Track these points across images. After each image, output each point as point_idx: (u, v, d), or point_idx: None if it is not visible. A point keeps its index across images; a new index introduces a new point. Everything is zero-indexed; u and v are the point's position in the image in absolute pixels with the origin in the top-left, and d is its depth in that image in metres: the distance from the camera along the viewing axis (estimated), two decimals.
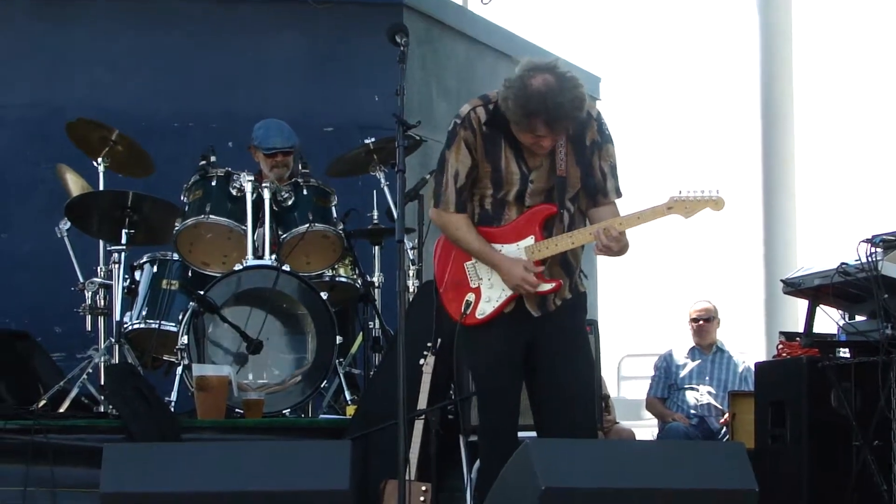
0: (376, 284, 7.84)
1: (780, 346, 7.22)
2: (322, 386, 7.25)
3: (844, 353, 6.63)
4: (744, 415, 7.54)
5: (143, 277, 7.49)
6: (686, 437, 8.45)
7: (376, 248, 7.94)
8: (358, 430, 6.44)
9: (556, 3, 17.08)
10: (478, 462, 5.72)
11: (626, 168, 5.47)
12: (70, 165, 7.95)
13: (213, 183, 7.38)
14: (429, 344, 6.32)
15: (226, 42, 9.64)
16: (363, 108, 9.34)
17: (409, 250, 7.38)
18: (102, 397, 6.99)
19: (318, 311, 7.17)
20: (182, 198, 7.48)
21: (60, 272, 7.97)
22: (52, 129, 8.76)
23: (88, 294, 7.64)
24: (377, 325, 7.73)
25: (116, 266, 7.35)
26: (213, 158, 7.47)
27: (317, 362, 7.17)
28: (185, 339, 7.06)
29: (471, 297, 5.32)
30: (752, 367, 7.63)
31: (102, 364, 7.17)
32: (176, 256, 7.45)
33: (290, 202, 7.44)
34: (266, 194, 7.32)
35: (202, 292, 7.04)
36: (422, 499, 6.03)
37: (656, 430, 9.12)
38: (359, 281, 7.71)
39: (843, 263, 6.23)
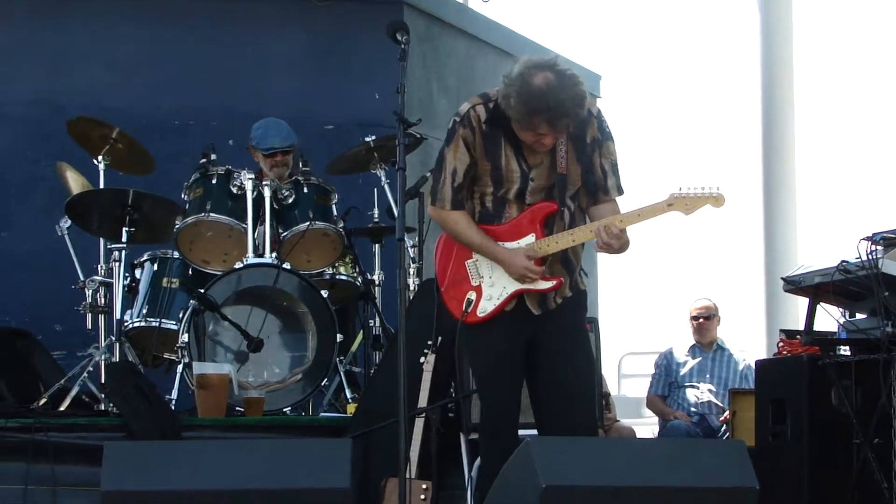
0: (377, 282, 7.84)
1: (781, 344, 7.21)
2: (322, 384, 7.25)
3: (845, 350, 6.62)
4: (744, 412, 7.54)
5: (143, 275, 7.49)
6: (687, 435, 8.45)
7: (377, 246, 7.94)
8: (359, 429, 6.44)
9: (556, 1, 17.08)
10: (478, 460, 5.72)
11: (626, 165, 5.47)
12: (70, 163, 7.95)
13: (214, 181, 7.38)
14: (429, 342, 6.32)
15: (226, 40, 9.64)
16: (364, 106, 9.33)
17: (409, 248, 7.38)
18: (103, 395, 6.99)
19: (318, 309, 7.17)
20: (182, 196, 7.48)
21: (61, 270, 7.97)
22: (52, 128, 8.77)
23: (89, 292, 7.64)
24: (378, 324, 7.73)
25: (117, 264, 7.34)
26: (213, 156, 7.47)
27: (317, 360, 7.17)
28: (185, 338, 7.06)
29: (472, 295, 5.32)
30: (753, 365, 7.63)
31: (103, 362, 7.17)
32: (176, 254, 7.45)
33: (290, 200, 7.44)
34: (266, 192, 7.32)
35: (203, 290, 7.04)
36: (422, 497, 6.04)
37: (657, 428, 9.11)
38: (359, 279, 7.71)
39: (843, 261, 6.23)
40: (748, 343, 11.24)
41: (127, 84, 9.44)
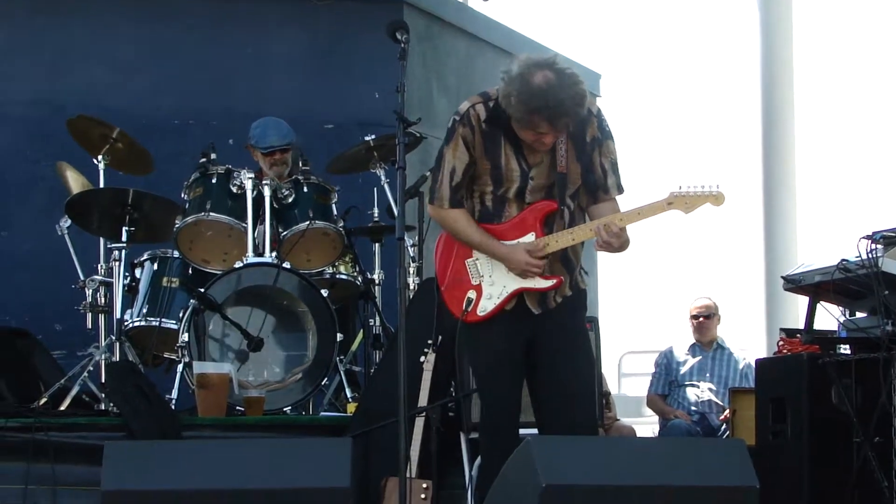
0: (377, 282, 7.84)
1: (781, 343, 7.21)
2: (323, 383, 7.25)
3: (845, 349, 6.62)
4: (744, 411, 7.54)
5: (143, 275, 7.49)
6: (687, 434, 8.45)
7: (377, 245, 7.94)
8: (359, 428, 6.44)
9: (556, 0, 17.08)
10: (479, 459, 5.72)
11: (626, 165, 5.47)
12: (70, 163, 7.95)
13: (214, 180, 7.38)
14: (429, 341, 6.32)
15: (226, 39, 9.64)
16: (363, 105, 9.33)
17: (409, 247, 7.37)
18: (103, 395, 6.99)
19: (318, 308, 7.17)
20: (182, 195, 7.48)
21: (61, 270, 7.97)
22: (52, 127, 8.77)
23: (89, 292, 7.64)
24: (378, 323, 7.73)
25: (117, 264, 7.35)
26: (213, 156, 7.47)
27: (317, 360, 7.17)
28: (185, 337, 7.06)
29: (472, 294, 5.32)
30: (753, 364, 7.62)
31: (103, 362, 7.18)
32: (176, 254, 7.45)
33: (290, 199, 7.44)
34: (266, 191, 7.32)
35: (203, 290, 7.04)
36: (423, 496, 6.03)
37: (657, 427, 9.11)
38: (359, 278, 7.70)
39: (843, 260, 6.23)
40: (748, 342, 11.25)
41: (127, 84, 9.44)
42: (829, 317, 6.61)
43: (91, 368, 7.10)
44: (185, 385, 7.06)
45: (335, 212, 7.53)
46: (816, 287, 6.49)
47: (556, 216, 5.29)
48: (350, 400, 7.20)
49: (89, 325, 7.69)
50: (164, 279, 7.45)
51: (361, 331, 7.76)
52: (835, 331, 6.72)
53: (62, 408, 6.89)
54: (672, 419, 8.68)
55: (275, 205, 7.38)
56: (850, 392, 6.25)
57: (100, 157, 7.68)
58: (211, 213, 7.31)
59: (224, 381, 6.81)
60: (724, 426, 8.51)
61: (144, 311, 7.38)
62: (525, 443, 4.62)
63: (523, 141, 5.21)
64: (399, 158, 5.33)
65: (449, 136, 5.28)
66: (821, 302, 6.62)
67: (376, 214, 7.85)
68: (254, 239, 7.29)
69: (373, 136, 7.79)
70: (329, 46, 9.67)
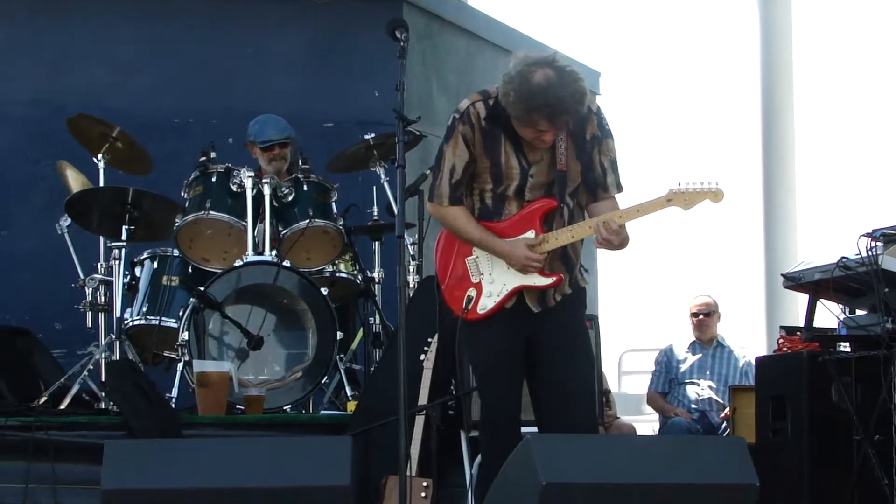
0: (377, 280, 7.84)
1: (781, 341, 7.22)
2: (323, 382, 7.25)
3: (845, 347, 6.63)
4: (744, 409, 7.55)
5: (143, 274, 7.49)
6: (687, 432, 8.46)
7: (376, 243, 7.94)
8: (359, 426, 6.44)
9: None
10: (479, 458, 5.72)
11: (626, 163, 5.47)
12: (70, 162, 7.95)
13: (214, 179, 7.38)
14: (429, 339, 6.32)
15: (226, 38, 9.64)
16: (363, 104, 9.33)
17: (409, 246, 7.37)
18: (103, 394, 6.99)
19: (318, 306, 7.17)
20: (182, 194, 7.48)
21: (61, 269, 7.97)
22: (52, 127, 8.77)
23: (89, 290, 7.64)
24: (378, 321, 7.73)
25: (117, 262, 7.35)
26: (213, 154, 7.47)
27: (317, 358, 7.17)
28: (185, 336, 7.06)
29: (472, 292, 5.32)
30: (753, 362, 7.63)
31: (103, 360, 7.18)
32: (176, 252, 7.45)
33: (290, 198, 7.44)
34: (266, 190, 7.32)
35: (203, 288, 7.04)
36: (423, 495, 6.04)
37: (657, 425, 9.12)
38: (359, 277, 7.70)
39: (843, 258, 6.23)
40: (748, 340, 11.26)
41: (127, 83, 9.44)
42: (829, 314, 6.61)
43: (91, 367, 7.10)
44: (185, 384, 7.06)
45: (335, 210, 7.53)
46: (816, 285, 6.49)
47: (555, 214, 5.29)
48: (350, 398, 7.20)
49: (89, 324, 7.69)
50: (164, 278, 7.45)
51: (361, 329, 7.75)
52: (835, 328, 6.72)
53: (62, 407, 6.89)
54: (672, 417, 8.69)
55: (274, 203, 7.38)
56: (850, 390, 6.26)
57: (100, 156, 7.68)
58: (211, 212, 7.30)
59: (224, 379, 6.81)
60: (724, 424, 8.51)
61: (144, 309, 7.38)
62: (525, 441, 4.62)
63: (523, 139, 5.21)
64: (399, 157, 5.33)
65: (449, 133, 5.28)
66: (821, 300, 6.62)
67: (376, 213, 7.85)
68: (254, 237, 7.29)
69: (372, 135, 7.79)
70: (329, 45, 9.67)
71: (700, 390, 8.80)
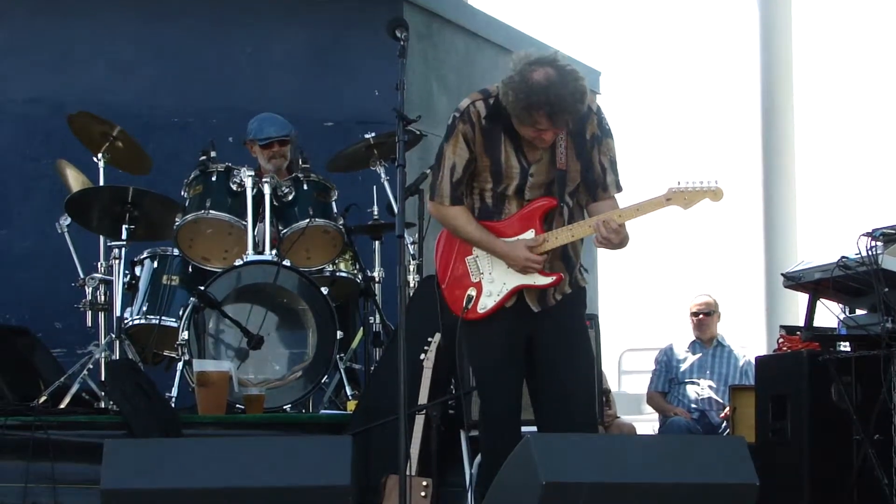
0: (377, 279, 7.84)
1: (781, 340, 7.22)
2: (323, 381, 7.25)
3: (845, 346, 6.63)
4: (744, 409, 7.54)
5: (143, 273, 7.49)
6: (687, 432, 8.46)
7: (377, 242, 7.94)
8: (359, 426, 6.44)
9: None
10: (479, 457, 5.72)
11: (626, 162, 5.47)
12: (70, 161, 7.95)
13: (214, 178, 7.38)
14: (429, 339, 6.32)
15: (226, 37, 9.63)
16: (363, 103, 9.32)
17: (409, 245, 7.38)
18: (103, 393, 6.99)
19: (318, 306, 7.17)
20: (182, 193, 7.48)
21: (61, 268, 7.97)
22: (52, 126, 8.78)
23: (89, 290, 7.64)
24: (378, 320, 7.73)
25: (117, 262, 7.35)
26: (213, 154, 7.47)
27: (317, 357, 7.17)
28: (185, 335, 7.06)
29: (472, 291, 5.32)
30: (753, 361, 7.63)
31: (103, 360, 7.17)
32: (176, 252, 7.45)
33: (290, 197, 7.44)
34: (266, 189, 7.32)
35: (203, 288, 7.03)
36: (423, 494, 6.03)
37: (657, 425, 9.12)
38: (359, 276, 7.70)
39: (843, 257, 6.22)
40: (748, 339, 11.24)
41: (127, 82, 9.44)
42: (829, 314, 6.61)
43: (91, 366, 7.10)
44: (185, 383, 7.06)
45: (335, 209, 7.53)
46: (816, 284, 6.49)
47: (555, 213, 5.29)
48: (350, 398, 7.20)
49: (89, 324, 7.69)
50: (164, 277, 7.45)
51: (361, 328, 7.75)
52: (835, 328, 6.72)
53: (62, 406, 6.89)
54: (672, 416, 8.68)
55: (275, 202, 7.37)
56: (850, 389, 6.26)
57: (100, 155, 7.68)
58: (211, 211, 7.30)
59: (224, 379, 6.81)
60: (724, 424, 8.51)
61: (144, 309, 7.38)
62: (525, 440, 4.62)
63: (523, 138, 5.21)
64: (399, 156, 5.33)
65: (449, 132, 5.28)
66: (821, 299, 6.61)
67: (376, 212, 7.85)
68: (254, 237, 7.29)
69: (373, 134, 7.79)
70: (329, 44, 9.66)
71: (700, 390, 8.80)
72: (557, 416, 5.28)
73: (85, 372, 7.04)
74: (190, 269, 7.43)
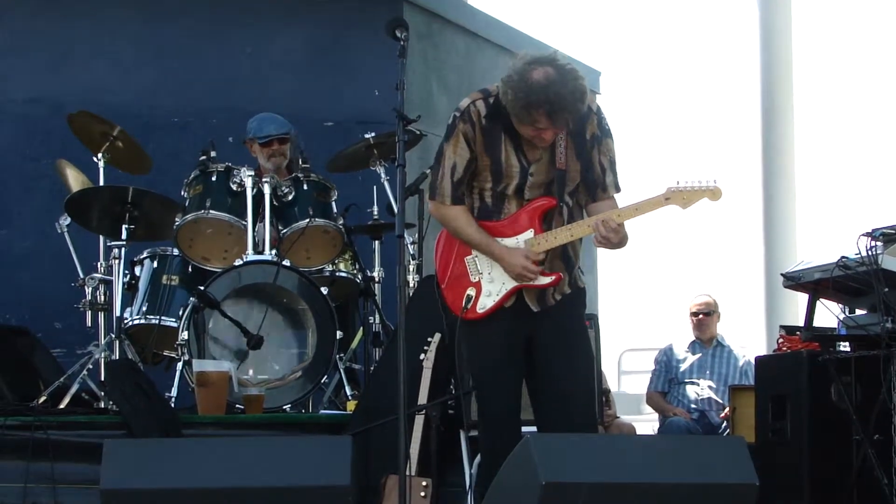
0: (376, 279, 7.84)
1: (781, 340, 7.22)
2: (322, 381, 7.25)
3: (845, 346, 6.63)
4: (744, 409, 7.54)
5: (143, 273, 7.49)
6: (687, 432, 8.46)
7: (376, 242, 7.94)
8: (359, 426, 6.44)
9: None
10: (478, 457, 5.72)
11: (626, 162, 5.47)
12: (70, 161, 7.95)
13: (214, 178, 7.37)
14: (429, 339, 6.31)
15: (226, 37, 9.63)
16: (363, 103, 9.32)
17: (409, 245, 7.38)
18: (103, 393, 6.99)
19: (318, 306, 7.17)
20: (182, 193, 7.48)
21: (60, 268, 7.97)
22: (52, 126, 8.77)
23: (88, 290, 7.64)
24: (377, 320, 7.73)
25: (116, 261, 7.34)
26: (213, 154, 7.47)
27: (317, 357, 7.17)
28: (185, 335, 7.06)
29: (471, 291, 5.32)
30: (753, 361, 7.63)
31: (102, 360, 7.17)
32: (176, 252, 7.45)
33: (290, 197, 7.44)
34: (266, 189, 7.32)
35: (202, 288, 7.03)
36: (423, 494, 6.03)
37: (657, 425, 9.12)
38: (359, 276, 7.70)
39: (843, 257, 6.22)
40: (748, 339, 11.24)
41: (127, 82, 9.44)
42: (829, 314, 6.61)
43: (90, 366, 7.10)
44: (185, 383, 7.06)
45: (335, 209, 7.53)
46: (816, 284, 6.48)
47: (554, 213, 5.29)
48: (350, 398, 7.20)
49: (89, 324, 7.69)
50: (164, 277, 7.45)
51: (361, 328, 7.75)
52: (834, 328, 6.72)
53: (62, 406, 6.89)
54: (672, 417, 8.68)
55: (274, 202, 7.37)
56: (849, 389, 6.26)
57: (100, 155, 7.68)
58: (211, 211, 7.30)
59: (224, 379, 6.81)
60: (724, 424, 8.51)
61: (144, 309, 7.38)
62: (524, 440, 4.62)
63: (523, 137, 5.21)
64: (399, 156, 5.33)
65: (449, 132, 5.28)
66: (820, 299, 6.61)
67: (376, 212, 7.85)
68: (254, 237, 7.29)
69: (373, 134, 7.79)
70: (329, 44, 9.66)
71: (700, 390, 8.80)
72: (557, 416, 5.27)
73: (85, 372, 7.04)
74: (190, 269, 7.43)
